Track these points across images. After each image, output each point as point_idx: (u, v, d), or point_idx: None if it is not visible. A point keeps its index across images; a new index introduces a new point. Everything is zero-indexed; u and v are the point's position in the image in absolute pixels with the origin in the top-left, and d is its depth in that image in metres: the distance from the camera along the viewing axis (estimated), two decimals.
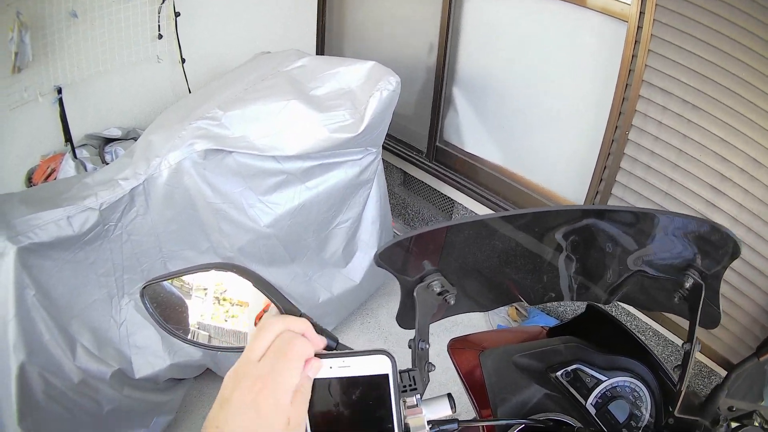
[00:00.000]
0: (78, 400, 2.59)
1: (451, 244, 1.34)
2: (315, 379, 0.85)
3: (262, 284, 0.94)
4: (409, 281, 1.35)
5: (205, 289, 1.02)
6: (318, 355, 0.86)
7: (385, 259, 1.27)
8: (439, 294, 1.36)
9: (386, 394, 0.87)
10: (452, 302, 1.38)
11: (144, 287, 1.02)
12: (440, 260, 1.35)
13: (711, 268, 1.34)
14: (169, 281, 1.03)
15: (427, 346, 1.30)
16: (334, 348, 0.93)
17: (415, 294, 1.33)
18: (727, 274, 2.27)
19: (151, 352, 2.85)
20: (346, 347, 0.95)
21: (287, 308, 0.91)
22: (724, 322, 2.71)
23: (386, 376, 0.87)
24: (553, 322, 3.77)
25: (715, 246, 1.30)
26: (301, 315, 0.91)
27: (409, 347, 1.30)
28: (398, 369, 0.89)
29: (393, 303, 4.02)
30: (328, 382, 0.86)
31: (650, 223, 1.35)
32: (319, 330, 0.91)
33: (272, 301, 0.93)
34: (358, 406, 0.88)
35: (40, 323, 2.44)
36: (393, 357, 0.87)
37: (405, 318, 1.41)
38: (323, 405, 0.87)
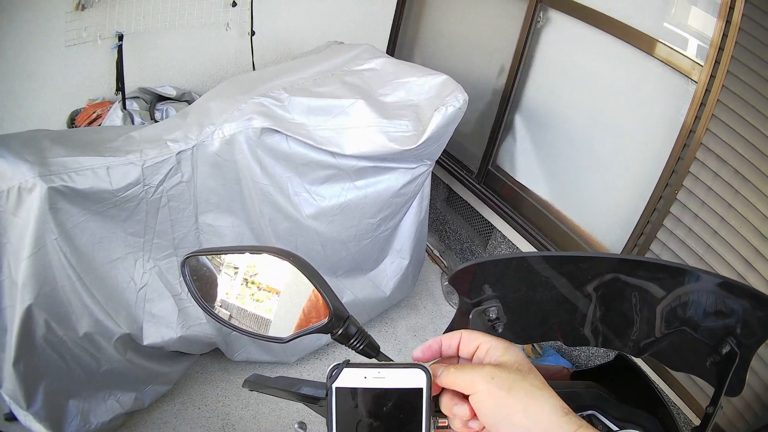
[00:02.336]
0: (77, 353, 2.55)
1: (515, 275, 1.36)
2: (347, 388, 0.84)
3: (317, 280, 0.93)
4: (468, 303, 1.35)
5: (236, 268, 1.00)
6: (353, 365, 0.85)
7: (458, 277, 1.28)
8: (491, 320, 1.36)
9: (418, 409, 0.84)
10: (500, 331, 1.38)
11: (187, 257, 1.00)
12: (500, 288, 1.35)
13: (749, 338, 1.32)
14: (207, 256, 1.01)
15: None
16: (374, 356, 0.96)
17: (470, 316, 1.33)
18: None
19: (164, 322, 2.80)
20: (386, 357, 0.97)
21: (336, 308, 0.91)
22: None
23: (420, 390, 0.84)
24: (566, 363, 3.77)
25: (761, 319, 1.29)
26: (348, 317, 0.93)
27: None
28: None
29: (414, 317, 4.01)
30: (360, 391, 0.84)
31: (706, 286, 1.33)
32: (364, 336, 0.94)
33: (324, 299, 0.92)
34: (388, 418, 0.86)
35: (57, 268, 2.38)
36: (429, 372, 0.84)
37: None
38: (353, 414, 0.85)
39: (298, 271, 0.93)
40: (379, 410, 0.85)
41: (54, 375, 2.51)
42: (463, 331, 0.87)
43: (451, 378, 0.82)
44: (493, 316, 1.33)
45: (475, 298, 1.34)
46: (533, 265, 1.34)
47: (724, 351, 1.33)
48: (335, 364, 0.85)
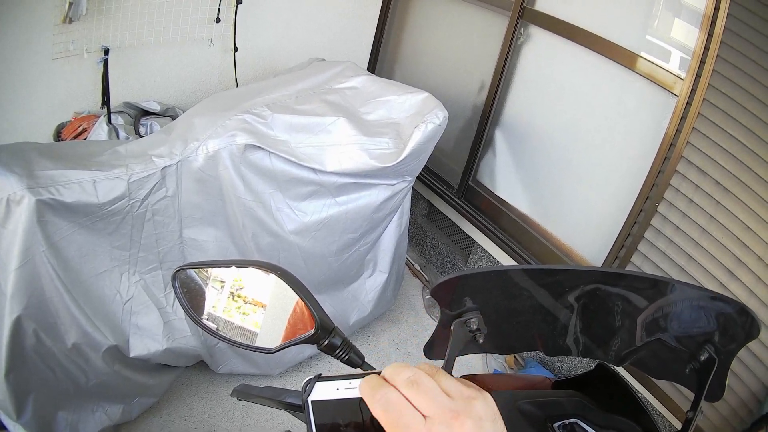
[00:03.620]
0: (66, 365, 2.57)
1: (495, 287, 1.39)
2: (322, 401, 0.87)
3: (304, 292, 0.98)
4: (449, 314, 1.36)
5: (222, 282, 1.04)
6: (324, 378, 0.88)
7: (439, 289, 1.30)
8: (472, 331, 1.35)
9: None
10: (481, 341, 1.37)
11: (177, 270, 1.04)
12: (481, 300, 1.36)
13: (727, 345, 1.38)
14: (196, 270, 1.06)
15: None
16: (359, 365, 0.99)
17: (452, 327, 1.33)
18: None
19: (150, 334, 2.82)
20: (371, 366, 1.00)
21: (322, 319, 0.96)
22: (725, 395, 2.74)
23: None
24: (548, 373, 3.77)
25: (738, 326, 1.35)
26: (333, 329, 0.97)
27: None
28: None
29: (396, 330, 4.03)
30: (335, 402, 0.87)
31: (683, 295, 1.38)
32: (348, 346, 0.98)
33: (311, 311, 0.96)
34: (364, 425, 0.91)
35: (45, 279, 2.40)
36: None
37: (432, 349, 1.48)
38: (332, 424, 0.90)
39: (285, 284, 0.97)
40: (356, 418, 0.88)
41: (43, 386, 2.52)
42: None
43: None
44: (473, 327, 1.34)
45: (456, 309, 1.36)
46: (513, 278, 1.37)
47: (703, 358, 1.38)
48: (308, 378, 0.88)
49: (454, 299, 1.36)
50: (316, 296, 2.62)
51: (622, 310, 1.42)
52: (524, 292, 1.40)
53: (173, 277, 1.03)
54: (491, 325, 1.39)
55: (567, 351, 1.60)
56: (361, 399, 0.83)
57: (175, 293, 1.03)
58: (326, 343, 0.98)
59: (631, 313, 1.43)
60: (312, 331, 0.96)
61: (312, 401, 0.86)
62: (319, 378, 0.88)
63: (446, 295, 1.34)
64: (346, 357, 0.99)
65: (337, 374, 0.88)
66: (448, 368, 1.30)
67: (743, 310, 1.31)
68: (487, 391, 1.68)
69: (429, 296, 4.27)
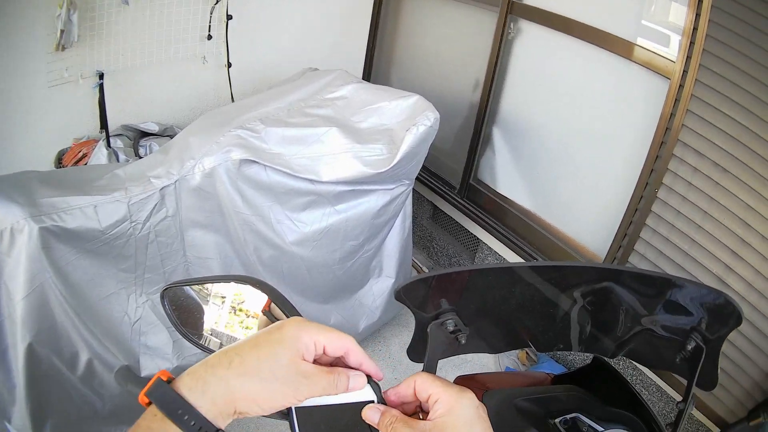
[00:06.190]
0: (81, 389, 2.60)
1: (471, 287, 1.40)
2: (305, 407, 0.85)
3: (278, 299, 0.96)
4: (425, 317, 1.39)
5: (223, 297, 1.03)
6: None
7: (405, 293, 1.31)
8: (452, 333, 1.39)
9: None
10: (463, 342, 1.42)
11: (165, 289, 1.03)
12: (458, 301, 1.38)
13: (713, 333, 1.39)
14: (190, 287, 1.05)
15: None
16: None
17: (428, 330, 1.37)
18: (736, 338, 2.28)
19: (160, 354, 2.83)
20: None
21: None
22: (727, 384, 2.78)
23: (372, 402, 0.87)
24: (561, 369, 3.77)
25: (722, 315, 1.37)
26: None
27: None
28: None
29: (406, 334, 4.02)
30: (318, 409, 0.86)
31: (667, 287, 1.40)
32: None
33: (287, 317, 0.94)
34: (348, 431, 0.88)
35: (54, 305, 2.42)
36: (378, 385, 0.87)
37: (416, 351, 1.48)
38: (316, 431, 0.87)
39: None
40: (339, 424, 0.87)
41: (61, 412, 2.55)
42: (417, 377, 0.87)
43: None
44: (451, 328, 1.37)
45: (431, 312, 1.38)
46: (490, 277, 1.39)
47: (690, 347, 1.40)
48: None
49: (427, 302, 1.38)
50: (322, 306, 2.64)
51: (608, 303, 1.43)
52: (502, 289, 1.41)
53: (162, 296, 1.03)
54: (472, 325, 1.41)
55: (558, 346, 1.61)
56: (346, 405, 0.86)
57: (165, 311, 1.04)
58: None
59: (618, 306, 1.44)
60: None
61: (296, 408, 0.85)
62: None
63: (416, 297, 1.35)
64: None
65: None
66: (429, 370, 1.31)
67: (728, 301, 1.33)
68: (484, 390, 1.69)
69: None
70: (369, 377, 0.87)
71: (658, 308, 1.42)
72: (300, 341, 0.80)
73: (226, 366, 0.77)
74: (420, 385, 0.86)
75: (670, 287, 1.39)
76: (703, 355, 1.37)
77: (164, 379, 0.77)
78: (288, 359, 0.78)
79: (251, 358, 0.78)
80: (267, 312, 0.98)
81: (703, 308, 1.37)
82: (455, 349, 1.49)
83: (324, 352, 0.84)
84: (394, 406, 0.87)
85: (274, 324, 0.83)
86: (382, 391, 0.88)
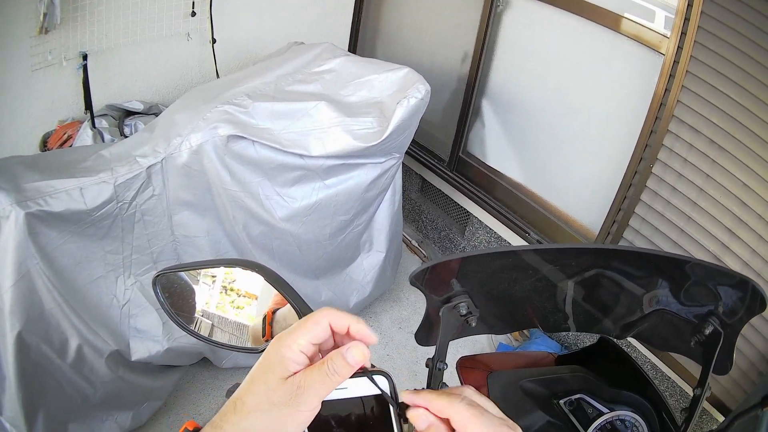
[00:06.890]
0: (72, 376, 2.57)
1: (481, 270, 1.36)
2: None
3: (283, 287, 0.93)
4: (437, 301, 1.37)
5: (213, 277, 1.01)
6: None
7: (419, 278, 1.29)
8: (463, 315, 1.37)
9: (387, 414, 0.83)
10: (473, 324, 1.40)
11: (158, 275, 1.00)
12: (468, 284, 1.36)
13: (732, 317, 1.37)
14: (186, 271, 1.03)
15: (445, 366, 1.35)
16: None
17: (440, 314, 1.35)
18: None
19: (150, 336, 2.81)
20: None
21: (304, 313, 0.89)
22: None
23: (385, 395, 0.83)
24: (554, 345, 3.73)
25: (744, 301, 1.34)
26: None
27: (427, 366, 1.35)
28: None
29: (397, 309, 4.01)
30: (326, 403, 0.81)
31: (686, 270, 1.36)
32: None
33: (292, 305, 0.92)
34: (358, 426, 0.85)
35: (42, 292, 2.40)
36: (391, 377, 0.82)
37: (424, 335, 1.47)
38: (324, 425, 0.83)
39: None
40: (348, 419, 0.84)
41: (52, 400, 2.53)
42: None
43: (427, 398, 0.80)
44: (463, 311, 1.34)
45: (443, 294, 1.35)
46: (500, 260, 1.36)
47: (708, 331, 1.37)
48: None
49: (439, 285, 1.36)
50: (313, 281, 2.61)
51: (620, 284, 1.41)
52: (515, 272, 1.38)
53: (154, 283, 1.00)
54: (482, 307, 1.39)
55: (566, 327, 1.59)
56: (351, 399, 0.82)
57: (158, 298, 1.01)
58: None
59: (630, 287, 1.42)
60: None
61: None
62: None
63: (429, 282, 1.33)
64: None
65: None
66: (440, 355, 1.28)
67: (749, 284, 1.30)
68: (489, 371, 1.68)
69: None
70: (377, 371, 0.82)
71: (675, 290, 1.39)
72: (284, 357, 0.78)
73: (233, 411, 0.79)
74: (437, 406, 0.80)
75: (692, 270, 1.36)
76: (721, 340, 1.35)
77: (191, 429, 0.82)
78: (276, 381, 0.77)
79: (249, 395, 0.78)
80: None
81: (723, 293, 1.35)
82: (463, 331, 1.49)
83: (320, 349, 0.82)
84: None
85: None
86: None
